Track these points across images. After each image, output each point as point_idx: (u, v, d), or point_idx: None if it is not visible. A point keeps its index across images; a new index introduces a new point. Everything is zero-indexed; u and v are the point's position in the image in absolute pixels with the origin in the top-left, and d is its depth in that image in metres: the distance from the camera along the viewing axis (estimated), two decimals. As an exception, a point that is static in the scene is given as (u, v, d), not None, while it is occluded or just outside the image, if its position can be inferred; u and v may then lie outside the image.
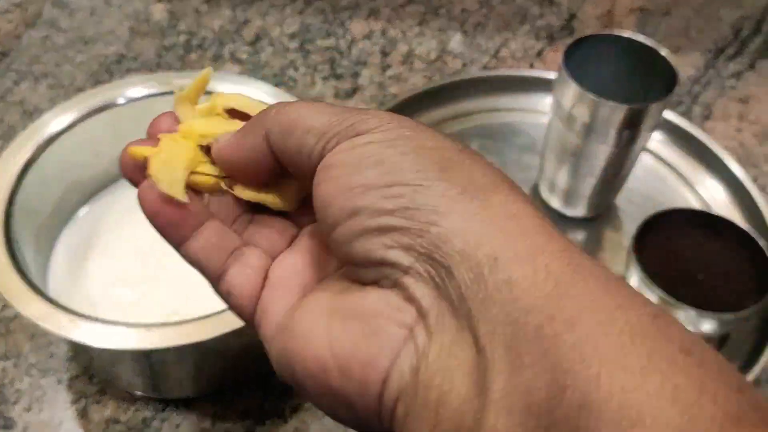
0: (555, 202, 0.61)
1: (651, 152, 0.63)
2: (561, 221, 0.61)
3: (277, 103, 0.22)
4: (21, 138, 0.48)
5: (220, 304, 0.47)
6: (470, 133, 0.65)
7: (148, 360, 0.43)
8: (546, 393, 0.15)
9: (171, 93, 0.51)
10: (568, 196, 0.59)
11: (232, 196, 0.24)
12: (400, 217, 0.18)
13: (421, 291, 0.18)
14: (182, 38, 0.74)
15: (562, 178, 0.58)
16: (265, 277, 0.23)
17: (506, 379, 0.16)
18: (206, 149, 0.25)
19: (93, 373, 0.49)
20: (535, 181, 0.63)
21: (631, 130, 0.52)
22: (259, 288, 0.23)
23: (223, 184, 0.25)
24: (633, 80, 0.55)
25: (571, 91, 0.52)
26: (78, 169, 0.51)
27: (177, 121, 0.26)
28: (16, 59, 0.73)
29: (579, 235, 0.61)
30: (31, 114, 0.67)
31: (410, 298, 0.19)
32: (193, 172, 0.24)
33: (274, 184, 0.24)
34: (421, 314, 0.18)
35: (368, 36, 0.76)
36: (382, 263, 0.19)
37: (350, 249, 0.20)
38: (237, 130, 0.23)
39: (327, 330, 0.20)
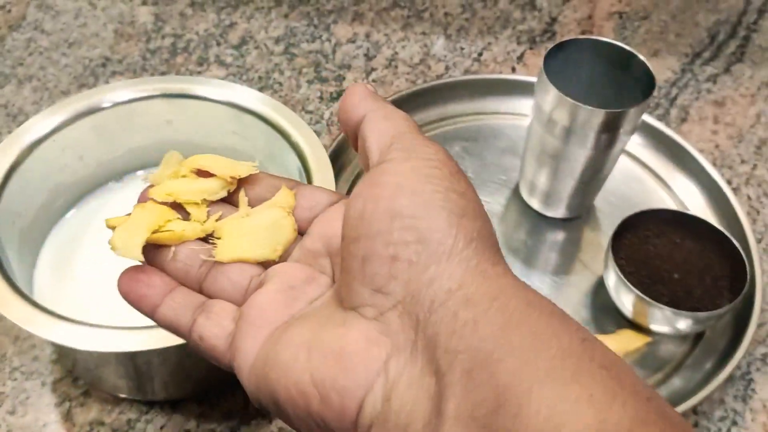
0: (535, 203, 0.62)
1: (629, 154, 0.65)
2: (541, 222, 0.62)
3: (379, 105, 0.26)
4: (5, 142, 0.48)
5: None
6: (453, 135, 0.66)
7: (133, 362, 0.44)
8: (490, 407, 0.18)
9: (156, 97, 0.52)
10: (548, 198, 0.60)
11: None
12: (412, 252, 0.21)
13: (400, 326, 0.21)
14: (167, 41, 0.75)
15: (542, 179, 0.59)
16: (234, 320, 0.25)
17: (459, 399, 0.19)
18: (178, 206, 0.29)
19: (77, 375, 0.49)
20: (515, 182, 0.64)
21: (610, 134, 0.53)
22: (226, 330, 0.25)
23: (203, 255, 0.27)
24: (612, 84, 0.56)
25: (551, 95, 0.53)
26: (63, 173, 0.51)
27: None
28: (0, 62, 0.73)
29: (558, 236, 0.62)
30: (15, 117, 0.67)
31: (389, 333, 0.21)
32: (158, 231, 0.28)
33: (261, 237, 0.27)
34: (396, 348, 0.21)
35: (352, 40, 0.76)
36: (379, 291, 0.21)
37: (365, 266, 0.22)
38: (357, 93, 0.26)
39: (308, 361, 0.22)
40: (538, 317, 0.20)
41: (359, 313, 0.22)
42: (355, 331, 0.21)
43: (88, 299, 0.49)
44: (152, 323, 0.42)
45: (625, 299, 0.53)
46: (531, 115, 0.57)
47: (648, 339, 0.54)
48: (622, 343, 0.54)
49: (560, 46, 0.55)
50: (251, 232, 0.27)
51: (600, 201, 0.62)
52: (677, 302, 0.52)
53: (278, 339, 0.23)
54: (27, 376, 0.49)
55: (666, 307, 0.51)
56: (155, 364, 0.44)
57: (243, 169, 0.29)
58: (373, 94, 0.27)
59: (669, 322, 0.52)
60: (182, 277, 0.27)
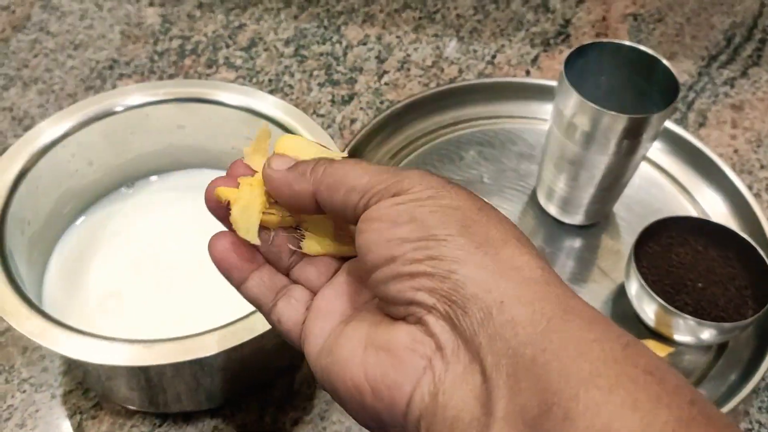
0: (552, 210, 0.60)
1: (648, 159, 0.63)
2: (558, 228, 0.60)
3: (325, 161, 0.26)
4: (14, 148, 0.47)
5: (219, 319, 0.46)
6: (468, 140, 0.65)
7: (146, 375, 0.43)
8: (538, 410, 0.19)
9: (168, 101, 0.51)
10: (566, 204, 0.59)
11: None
12: (427, 265, 0.23)
13: (440, 327, 0.22)
14: (175, 43, 0.73)
15: (561, 185, 0.58)
16: (308, 308, 0.27)
17: (507, 401, 0.20)
18: None
19: (88, 387, 0.48)
20: (532, 188, 0.62)
21: (632, 140, 0.52)
22: (302, 317, 0.27)
23: (291, 245, 0.29)
24: (632, 88, 0.55)
25: (572, 100, 0.51)
26: (72, 178, 0.50)
27: (250, 169, 0.29)
28: (4, 64, 0.71)
29: (576, 243, 0.60)
30: (20, 120, 0.66)
31: (431, 333, 0.23)
32: (264, 212, 0.28)
33: (340, 236, 0.29)
34: (439, 347, 0.22)
35: (364, 42, 0.75)
36: (411, 303, 0.23)
37: (386, 289, 0.24)
38: (288, 169, 0.27)
39: (363, 358, 0.24)
40: (579, 323, 0.21)
41: (404, 321, 0.24)
42: (402, 332, 0.23)
43: (99, 308, 0.48)
44: (166, 335, 0.42)
45: (648, 308, 0.52)
46: (550, 120, 0.56)
47: (671, 349, 0.53)
48: None
49: (581, 50, 0.54)
50: (336, 228, 0.29)
51: (619, 207, 0.61)
52: (701, 312, 0.51)
53: (340, 333, 0.25)
54: (36, 388, 0.48)
55: (690, 317, 0.49)
56: (168, 376, 0.43)
57: (333, 155, 0.28)
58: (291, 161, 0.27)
59: (693, 332, 0.51)
60: (274, 260, 0.29)
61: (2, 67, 0.71)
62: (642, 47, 0.53)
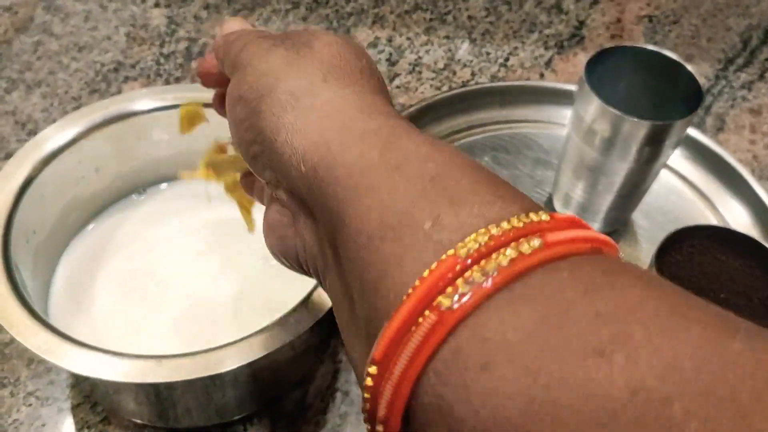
0: (569, 217, 0.59)
1: (667, 166, 0.62)
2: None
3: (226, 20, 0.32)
4: (18, 155, 0.45)
5: (232, 331, 0.44)
6: (482, 145, 0.64)
7: (155, 390, 0.41)
8: (330, 227, 0.22)
9: (176, 107, 0.49)
10: (584, 211, 0.58)
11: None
12: (257, 145, 0.25)
13: (286, 197, 0.25)
14: (182, 45, 0.72)
15: (579, 192, 0.56)
16: None
17: (322, 229, 0.23)
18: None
19: (96, 401, 0.46)
20: (548, 194, 0.61)
21: (654, 147, 0.50)
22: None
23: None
24: (652, 94, 0.54)
25: (592, 105, 0.50)
26: (79, 186, 0.49)
27: None
28: (7, 66, 0.70)
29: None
30: (24, 124, 0.64)
31: (284, 204, 0.25)
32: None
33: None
34: (294, 214, 0.25)
35: (374, 44, 0.73)
36: (268, 183, 0.26)
37: (253, 168, 0.26)
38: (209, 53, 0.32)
39: (268, 229, 0.27)
40: (356, 145, 0.22)
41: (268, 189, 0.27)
42: (272, 210, 0.26)
43: (107, 319, 0.47)
44: (179, 349, 0.40)
45: None
46: (568, 125, 0.54)
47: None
48: None
49: (601, 54, 0.52)
50: None
51: (637, 215, 0.60)
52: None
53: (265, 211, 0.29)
54: (43, 402, 0.47)
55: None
56: (179, 392, 0.42)
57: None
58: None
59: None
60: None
61: (5, 70, 0.69)
62: (665, 51, 0.52)
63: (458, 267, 0.17)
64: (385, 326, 0.18)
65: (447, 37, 0.75)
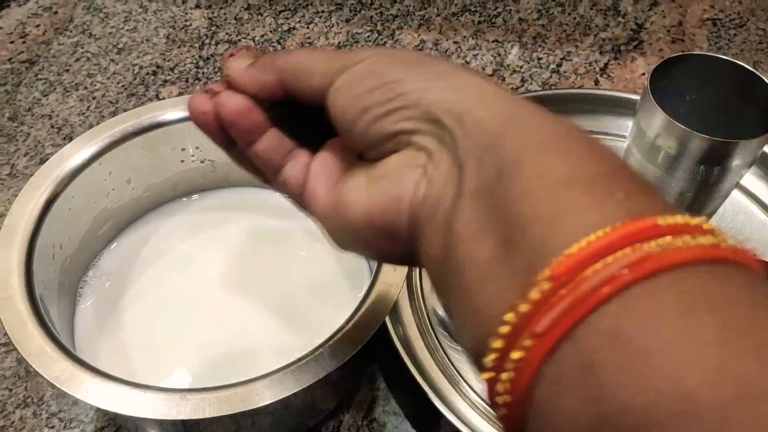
0: (626, 237, 0.55)
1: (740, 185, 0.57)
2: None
3: (281, 52, 0.29)
4: (46, 166, 0.43)
5: (267, 356, 0.42)
6: (532, 157, 0.60)
7: (183, 422, 0.39)
8: (494, 176, 0.22)
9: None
10: (642, 232, 0.53)
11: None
12: (397, 102, 0.25)
13: (426, 141, 0.25)
14: (221, 48, 0.70)
15: (637, 212, 0.52)
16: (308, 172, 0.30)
17: (472, 178, 0.23)
18: None
19: (120, 425, 0.44)
20: (603, 212, 0.57)
21: (724, 167, 0.46)
22: (303, 179, 0.30)
23: None
24: (724, 108, 0.49)
25: (656, 118, 0.46)
26: (109, 198, 0.47)
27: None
28: (44, 68, 0.69)
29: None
30: (60, 129, 0.63)
31: (421, 148, 0.25)
32: None
33: None
34: (429, 156, 0.25)
35: (419, 47, 0.70)
36: (396, 134, 0.26)
37: (369, 135, 0.26)
38: (249, 65, 0.29)
39: (367, 191, 0.27)
40: (533, 114, 0.23)
41: (395, 152, 0.26)
42: (395, 158, 0.26)
43: (133, 339, 0.44)
44: (210, 373, 0.38)
45: None
46: (629, 138, 0.50)
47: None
48: None
49: (667, 63, 0.48)
50: None
51: (701, 236, 0.55)
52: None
53: (342, 186, 0.28)
54: (66, 424, 0.45)
55: None
56: (206, 423, 0.39)
57: None
58: (257, 53, 0.30)
59: None
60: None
61: (42, 72, 0.68)
62: (741, 63, 0.47)
63: (659, 230, 0.18)
64: (574, 250, 0.18)
65: (496, 40, 0.71)
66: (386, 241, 0.26)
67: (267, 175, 0.31)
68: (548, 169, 0.21)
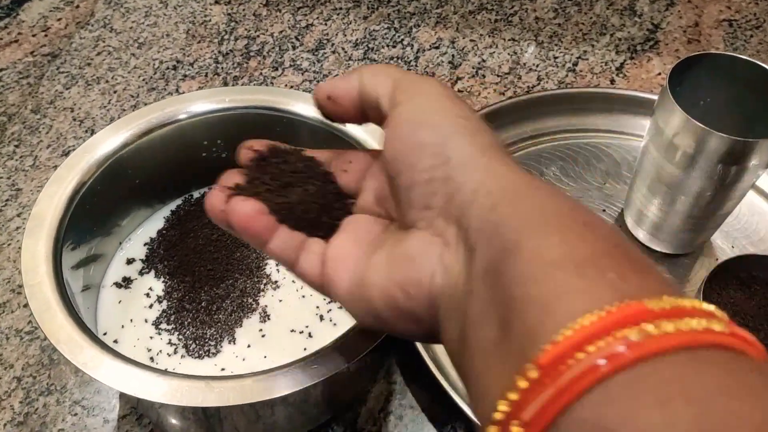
0: (641, 235, 0.55)
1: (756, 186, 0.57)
2: (647, 255, 0.55)
3: (364, 67, 0.31)
4: (73, 158, 0.44)
5: (289, 346, 0.42)
6: (549, 154, 0.60)
7: (203, 409, 0.39)
8: (498, 257, 0.23)
9: (234, 110, 0.47)
10: (657, 230, 0.54)
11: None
12: (441, 171, 0.26)
13: (446, 227, 0.26)
14: (240, 44, 0.70)
15: (653, 210, 0.53)
16: (322, 255, 0.31)
17: (480, 258, 0.24)
18: None
19: (142, 413, 0.45)
20: (619, 209, 0.57)
21: (741, 166, 0.46)
22: (321, 266, 0.30)
23: None
24: (741, 107, 0.50)
25: (675, 117, 0.46)
26: (133, 189, 0.47)
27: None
28: (66, 61, 0.70)
29: (664, 273, 0.55)
30: (81, 121, 0.64)
31: (439, 233, 0.26)
32: None
33: None
34: (446, 244, 0.26)
35: (436, 45, 0.71)
36: (426, 208, 0.27)
37: (408, 193, 0.27)
38: (338, 77, 0.31)
39: (387, 272, 0.28)
40: (539, 194, 0.24)
41: (416, 228, 0.27)
42: (414, 239, 0.27)
43: (157, 327, 0.45)
44: (231, 358, 0.38)
45: None
46: (646, 137, 0.51)
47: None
48: None
49: (686, 62, 0.48)
50: None
51: (716, 236, 0.55)
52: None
53: (365, 266, 0.29)
54: (89, 411, 0.45)
55: None
56: (227, 412, 0.40)
57: None
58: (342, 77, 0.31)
59: None
60: None
61: (64, 65, 0.69)
62: (759, 62, 0.47)
63: (646, 315, 0.19)
64: (560, 339, 0.19)
65: (512, 39, 0.72)
66: (408, 323, 0.27)
67: (286, 266, 0.32)
68: (545, 250, 0.21)
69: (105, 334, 0.44)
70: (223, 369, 0.44)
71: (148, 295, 0.46)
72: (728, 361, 0.18)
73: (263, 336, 0.45)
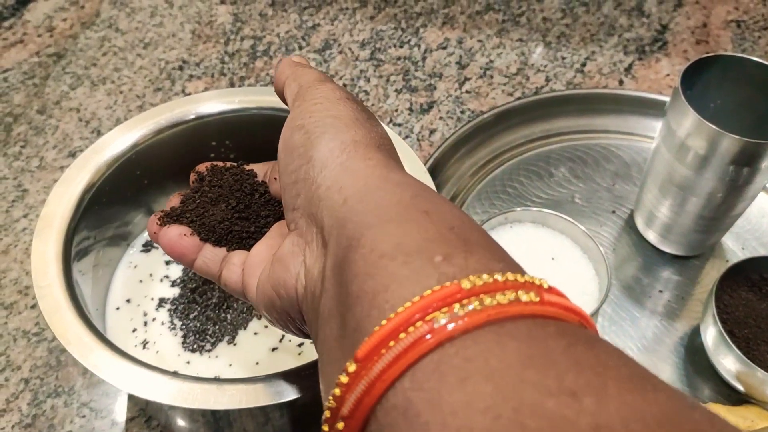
0: (651, 236, 0.55)
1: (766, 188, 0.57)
2: (656, 257, 0.55)
3: (296, 70, 0.32)
4: (80, 159, 0.44)
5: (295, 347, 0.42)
6: (559, 155, 0.60)
7: (213, 411, 0.39)
8: (343, 252, 0.23)
9: (242, 111, 0.47)
10: (668, 231, 0.54)
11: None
12: (304, 172, 0.27)
13: (308, 227, 0.27)
14: (247, 44, 0.70)
15: (664, 211, 0.52)
16: (243, 265, 0.32)
17: (332, 254, 0.24)
18: None
19: (150, 415, 0.45)
20: (628, 211, 0.57)
21: (753, 168, 0.46)
22: (241, 276, 0.32)
23: None
24: (753, 109, 0.49)
25: (687, 118, 0.46)
26: (141, 191, 0.47)
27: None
28: (72, 61, 0.69)
29: (675, 275, 0.55)
30: (87, 122, 0.63)
31: (302, 234, 0.27)
32: None
33: None
34: (307, 243, 0.27)
35: (443, 45, 0.70)
36: (294, 209, 0.28)
37: (284, 195, 0.29)
38: (280, 71, 0.34)
39: (267, 275, 0.29)
40: (388, 188, 0.24)
41: (290, 229, 0.28)
42: (287, 241, 0.28)
43: (163, 332, 0.45)
44: (236, 360, 0.38)
45: (724, 361, 0.46)
46: (657, 138, 0.50)
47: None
48: (747, 419, 0.46)
49: (698, 63, 0.48)
50: None
51: (727, 238, 0.55)
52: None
53: (266, 271, 0.30)
54: (96, 414, 0.45)
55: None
56: (236, 414, 0.40)
57: None
58: (295, 63, 0.33)
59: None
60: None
61: (70, 65, 0.69)
62: (771, 63, 0.47)
63: (459, 295, 0.19)
64: (376, 329, 0.19)
65: (520, 39, 0.71)
66: (287, 323, 0.28)
67: (213, 280, 0.34)
68: (379, 243, 0.22)
69: (112, 334, 0.44)
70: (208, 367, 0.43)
71: (154, 295, 0.46)
72: (530, 330, 0.18)
73: (262, 340, 0.45)
